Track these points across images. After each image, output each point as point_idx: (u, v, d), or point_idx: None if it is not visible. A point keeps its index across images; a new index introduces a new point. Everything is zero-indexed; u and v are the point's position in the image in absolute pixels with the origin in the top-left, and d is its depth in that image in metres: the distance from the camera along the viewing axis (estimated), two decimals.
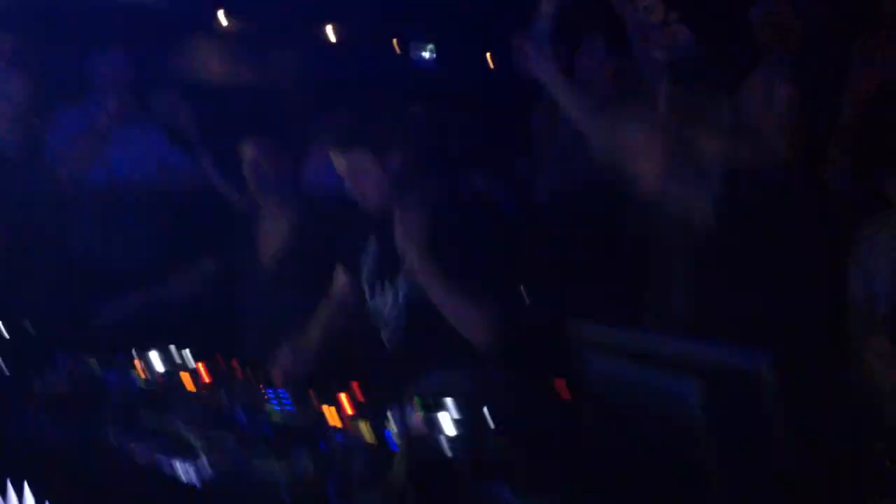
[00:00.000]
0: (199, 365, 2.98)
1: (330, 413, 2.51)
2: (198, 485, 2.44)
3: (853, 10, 3.21)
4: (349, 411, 2.49)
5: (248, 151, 3.80)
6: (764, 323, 2.24)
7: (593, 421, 1.83)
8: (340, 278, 3.34)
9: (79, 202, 4.29)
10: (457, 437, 2.24)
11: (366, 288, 3.20)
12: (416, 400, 2.37)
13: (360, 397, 2.55)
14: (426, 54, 6.22)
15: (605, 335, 1.76)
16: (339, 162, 3.08)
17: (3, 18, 4.29)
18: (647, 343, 1.66)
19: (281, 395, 2.73)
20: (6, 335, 3.43)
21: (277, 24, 5.33)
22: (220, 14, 5.54)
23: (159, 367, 3.01)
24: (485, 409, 2.27)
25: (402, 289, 3.05)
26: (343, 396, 2.53)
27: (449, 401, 2.33)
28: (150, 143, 4.42)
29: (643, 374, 1.63)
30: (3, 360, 3.29)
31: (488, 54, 6.33)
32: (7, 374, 3.26)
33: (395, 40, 6.48)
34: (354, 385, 2.60)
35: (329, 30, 6.31)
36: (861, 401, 2.12)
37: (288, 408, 2.65)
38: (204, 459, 2.51)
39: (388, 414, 2.31)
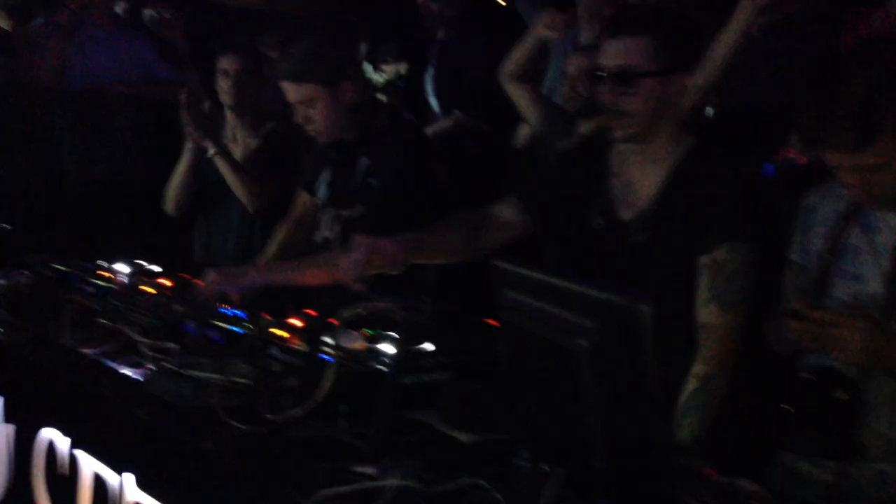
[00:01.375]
0: (163, 278, 3.02)
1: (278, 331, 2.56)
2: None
3: None
4: (299, 324, 2.54)
5: (232, 64, 3.76)
6: None
7: (507, 352, 1.90)
8: (302, 199, 3.38)
9: (60, 107, 4.30)
10: (392, 360, 2.30)
11: (319, 216, 3.25)
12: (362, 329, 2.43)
13: (312, 314, 2.60)
14: None
15: (521, 274, 1.84)
16: (290, 92, 3.07)
17: None
18: (554, 282, 1.73)
19: (238, 314, 2.78)
20: None
21: None
22: None
23: (125, 274, 3.06)
24: (419, 337, 2.33)
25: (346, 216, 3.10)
26: (295, 319, 2.58)
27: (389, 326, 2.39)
28: (137, 53, 4.43)
29: (548, 310, 1.71)
30: None
31: None
32: None
33: None
34: (308, 310, 2.65)
35: None
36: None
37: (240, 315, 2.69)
38: (149, 366, 2.59)
39: (325, 336, 2.36)
